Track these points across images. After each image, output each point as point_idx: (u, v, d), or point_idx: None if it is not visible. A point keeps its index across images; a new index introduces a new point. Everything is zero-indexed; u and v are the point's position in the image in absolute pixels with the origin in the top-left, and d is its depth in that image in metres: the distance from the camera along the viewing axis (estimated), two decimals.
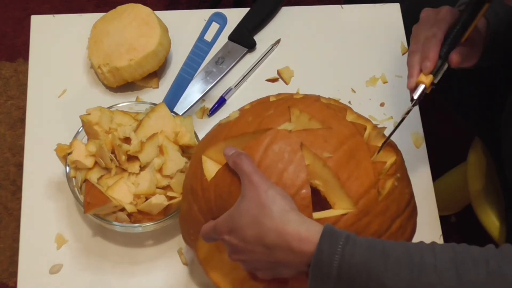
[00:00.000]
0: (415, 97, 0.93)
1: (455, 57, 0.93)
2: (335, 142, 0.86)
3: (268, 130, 0.87)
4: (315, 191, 0.85)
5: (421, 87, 0.93)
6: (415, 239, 0.92)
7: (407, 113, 0.94)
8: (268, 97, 0.96)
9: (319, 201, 0.85)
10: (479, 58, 0.99)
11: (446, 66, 0.94)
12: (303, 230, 0.77)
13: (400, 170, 0.90)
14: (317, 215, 0.83)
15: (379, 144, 0.90)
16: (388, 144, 0.90)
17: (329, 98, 0.96)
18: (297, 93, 0.97)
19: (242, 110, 0.95)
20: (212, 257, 0.96)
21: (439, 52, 0.93)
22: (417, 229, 0.93)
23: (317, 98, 0.94)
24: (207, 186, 0.88)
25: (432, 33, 0.94)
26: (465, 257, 0.76)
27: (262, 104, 0.94)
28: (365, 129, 0.91)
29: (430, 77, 0.93)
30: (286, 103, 0.91)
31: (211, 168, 0.90)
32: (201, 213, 0.90)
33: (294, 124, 0.88)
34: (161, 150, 1.02)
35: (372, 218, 0.84)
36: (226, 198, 0.86)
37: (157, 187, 1.01)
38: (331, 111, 0.90)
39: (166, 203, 1.00)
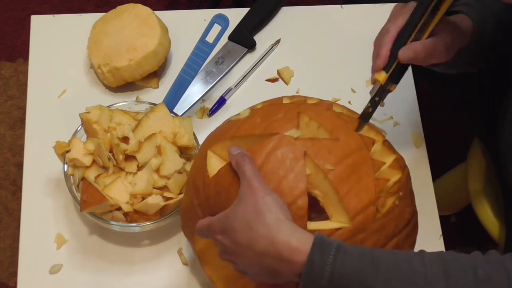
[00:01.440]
0: (371, 94, 0.92)
1: (402, 53, 0.89)
2: (340, 155, 0.85)
3: (274, 134, 0.86)
4: (314, 199, 0.84)
5: (377, 85, 0.91)
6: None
7: (365, 109, 0.92)
8: (281, 98, 0.96)
9: (318, 209, 0.85)
10: (454, 57, 0.95)
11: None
12: (294, 240, 0.77)
13: (404, 188, 0.89)
14: (311, 225, 0.83)
15: (386, 160, 0.88)
16: (396, 160, 0.89)
17: (343, 107, 0.94)
18: (311, 98, 0.95)
19: (253, 109, 0.95)
20: (208, 251, 0.96)
21: (391, 49, 0.91)
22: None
23: (329, 106, 0.93)
24: (208, 182, 0.89)
25: (386, 29, 0.92)
26: (454, 265, 0.76)
27: (273, 106, 0.93)
28: (373, 143, 0.89)
29: (383, 74, 0.91)
30: (296, 108, 0.90)
31: (214, 164, 0.90)
32: (200, 208, 0.90)
33: (301, 131, 0.87)
34: (159, 151, 1.02)
35: (367, 235, 0.83)
36: (225, 197, 0.86)
37: (154, 187, 1.01)
38: (341, 121, 0.89)
39: (162, 203, 1.00)
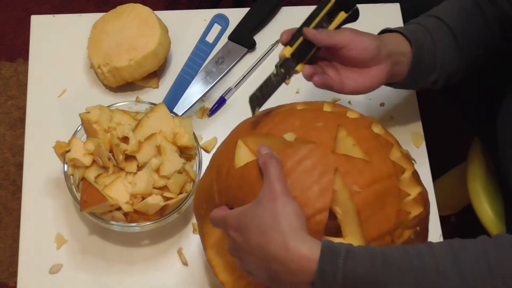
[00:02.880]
0: (275, 64, 0.96)
1: (307, 29, 0.96)
2: (369, 178, 0.84)
3: (309, 142, 0.85)
4: (331, 214, 0.83)
5: (282, 60, 0.96)
6: None
7: (254, 92, 0.96)
8: (322, 104, 0.94)
9: (332, 225, 0.84)
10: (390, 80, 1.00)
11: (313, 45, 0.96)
12: (305, 248, 0.77)
13: (422, 223, 0.88)
14: None
15: (412, 192, 0.87)
16: (421, 194, 0.88)
17: (381, 127, 0.93)
18: (352, 111, 0.94)
19: (293, 108, 0.93)
20: (213, 236, 0.95)
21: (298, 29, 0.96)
22: None
23: (368, 125, 0.91)
24: (233, 173, 0.88)
25: None
26: (464, 253, 0.76)
27: (314, 113, 0.91)
28: (403, 172, 0.88)
29: (288, 48, 0.95)
30: (337, 120, 0.89)
31: (243, 156, 0.88)
32: (219, 194, 0.90)
33: (337, 145, 0.86)
34: (159, 151, 1.02)
35: None
36: (246, 192, 0.85)
37: (154, 187, 1.01)
38: (377, 143, 0.88)
39: (162, 203, 1.00)
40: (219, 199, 0.90)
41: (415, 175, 0.90)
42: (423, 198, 0.89)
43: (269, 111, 0.95)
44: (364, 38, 0.97)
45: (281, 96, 1.21)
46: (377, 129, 0.91)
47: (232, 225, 0.82)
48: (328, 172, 0.83)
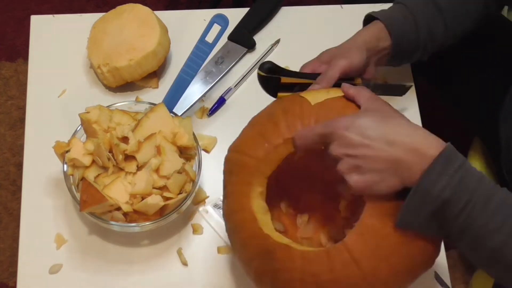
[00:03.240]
0: None
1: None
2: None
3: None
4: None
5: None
6: None
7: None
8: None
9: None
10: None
11: None
12: (432, 138, 0.80)
13: None
14: None
15: None
16: None
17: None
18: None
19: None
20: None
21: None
22: None
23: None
24: (309, 109, 0.90)
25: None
26: None
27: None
28: None
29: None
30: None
31: (315, 96, 0.92)
32: (288, 129, 0.90)
33: None
34: (158, 151, 1.02)
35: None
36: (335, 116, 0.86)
37: (154, 188, 1.01)
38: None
39: (162, 203, 1.00)
40: (289, 133, 0.89)
41: None
42: None
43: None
44: (355, 57, 1.04)
45: None
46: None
47: (341, 125, 0.82)
48: None
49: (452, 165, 0.77)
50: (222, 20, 1.13)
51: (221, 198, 1.10)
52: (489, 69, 1.14)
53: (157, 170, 1.02)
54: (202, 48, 1.13)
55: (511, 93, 1.11)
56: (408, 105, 1.20)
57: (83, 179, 1.02)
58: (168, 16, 1.23)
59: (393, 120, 0.83)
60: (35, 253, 1.06)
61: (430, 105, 1.33)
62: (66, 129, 1.10)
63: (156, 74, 1.20)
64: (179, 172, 1.02)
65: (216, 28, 1.12)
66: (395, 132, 0.80)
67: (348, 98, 0.90)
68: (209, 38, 1.12)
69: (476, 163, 1.32)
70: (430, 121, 1.25)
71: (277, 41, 1.25)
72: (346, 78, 1.02)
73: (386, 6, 1.27)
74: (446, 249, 1.07)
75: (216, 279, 1.05)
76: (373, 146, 0.80)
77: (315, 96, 0.92)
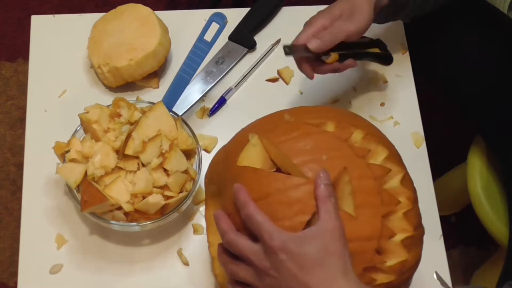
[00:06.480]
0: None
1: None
2: (348, 236, 0.80)
3: (304, 177, 0.81)
4: None
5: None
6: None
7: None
8: (327, 128, 0.88)
9: None
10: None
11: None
12: None
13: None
14: None
15: (390, 261, 0.82)
16: (401, 264, 0.83)
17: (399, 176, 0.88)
18: (360, 130, 0.89)
19: (316, 127, 0.87)
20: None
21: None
22: None
23: (381, 174, 0.85)
24: (232, 166, 0.86)
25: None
26: None
27: (332, 140, 0.85)
28: (392, 236, 0.83)
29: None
30: (348, 159, 0.84)
31: (248, 157, 0.85)
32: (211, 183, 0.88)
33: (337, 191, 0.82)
34: (171, 147, 1.01)
35: None
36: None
37: (154, 187, 1.01)
38: (376, 199, 0.82)
39: (163, 202, 1.00)
40: (213, 184, 0.88)
41: (408, 241, 0.84)
42: (401, 268, 0.83)
43: (295, 112, 0.91)
44: (363, 22, 1.01)
45: (282, 97, 1.21)
46: (362, 134, 0.88)
47: (276, 245, 0.76)
48: (306, 212, 0.79)
49: None
50: (220, 19, 1.13)
51: None
52: (491, 70, 1.14)
53: (162, 164, 1.01)
54: (200, 47, 1.13)
55: None
56: (408, 105, 1.20)
57: (83, 179, 1.02)
58: (168, 16, 1.23)
59: (330, 261, 0.76)
60: (36, 253, 1.06)
61: (430, 105, 1.33)
62: (66, 129, 1.10)
63: (156, 74, 1.20)
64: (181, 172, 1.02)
65: (214, 26, 1.12)
66: (316, 279, 0.75)
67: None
68: (208, 37, 1.12)
69: (477, 161, 1.32)
70: (430, 121, 1.25)
71: (278, 41, 1.25)
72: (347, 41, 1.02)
73: None
74: (447, 249, 1.07)
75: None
76: (285, 278, 0.76)
77: (252, 154, 0.85)
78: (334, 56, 1.05)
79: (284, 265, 0.76)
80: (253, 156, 0.85)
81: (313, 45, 1.00)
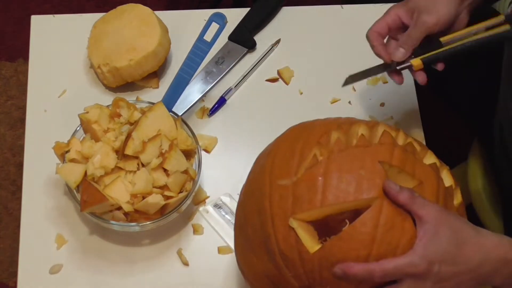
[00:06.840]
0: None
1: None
2: (432, 199, 0.83)
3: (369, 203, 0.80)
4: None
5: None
6: None
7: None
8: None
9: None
10: None
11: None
12: (506, 240, 0.81)
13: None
14: None
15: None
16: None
17: (406, 136, 0.89)
18: (360, 123, 0.89)
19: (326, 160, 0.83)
20: None
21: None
22: None
23: (392, 141, 0.86)
24: (310, 258, 0.80)
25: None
26: None
27: (351, 155, 0.84)
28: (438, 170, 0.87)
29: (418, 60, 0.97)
30: (374, 156, 0.83)
31: (308, 237, 0.81)
32: (298, 279, 0.82)
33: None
34: (171, 147, 1.01)
35: None
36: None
37: (154, 187, 1.01)
38: (410, 156, 0.85)
39: (162, 202, 1.00)
40: (299, 283, 0.83)
41: (449, 172, 0.92)
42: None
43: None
44: (442, 21, 0.93)
45: (282, 97, 1.21)
46: (403, 139, 0.89)
47: (423, 264, 0.76)
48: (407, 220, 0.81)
49: None
50: (220, 19, 1.13)
51: (221, 198, 1.10)
52: (491, 69, 1.14)
53: (161, 164, 1.01)
54: (200, 46, 1.13)
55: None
56: (408, 105, 1.20)
57: (83, 179, 1.02)
58: (168, 16, 1.23)
59: (469, 243, 0.79)
60: (36, 253, 1.06)
61: (430, 105, 1.33)
62: (66, 129, 1.10)
63: (156, 74, 1.20)
64: (182, 172, 1.02)
65: (214, 26, 1.12)
66: (474, 253, 0.79)
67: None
68: (208, 37, 1.12)
69: (477, 160, 1.32)
70: (430, 121, 1.25)
71: (278, 41, 1.25)
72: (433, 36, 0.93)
73: (387, 6, 1.27)
74: None
75: (216, 279, 1.05)
76: (461, 268, 0.78)
77: (307, 235, 0.81)
78: (416, 62, 0.97)
79: (442, 270, 0.77)
80: (309, 237, 0.81)
81: (399, 55, 0.94)
